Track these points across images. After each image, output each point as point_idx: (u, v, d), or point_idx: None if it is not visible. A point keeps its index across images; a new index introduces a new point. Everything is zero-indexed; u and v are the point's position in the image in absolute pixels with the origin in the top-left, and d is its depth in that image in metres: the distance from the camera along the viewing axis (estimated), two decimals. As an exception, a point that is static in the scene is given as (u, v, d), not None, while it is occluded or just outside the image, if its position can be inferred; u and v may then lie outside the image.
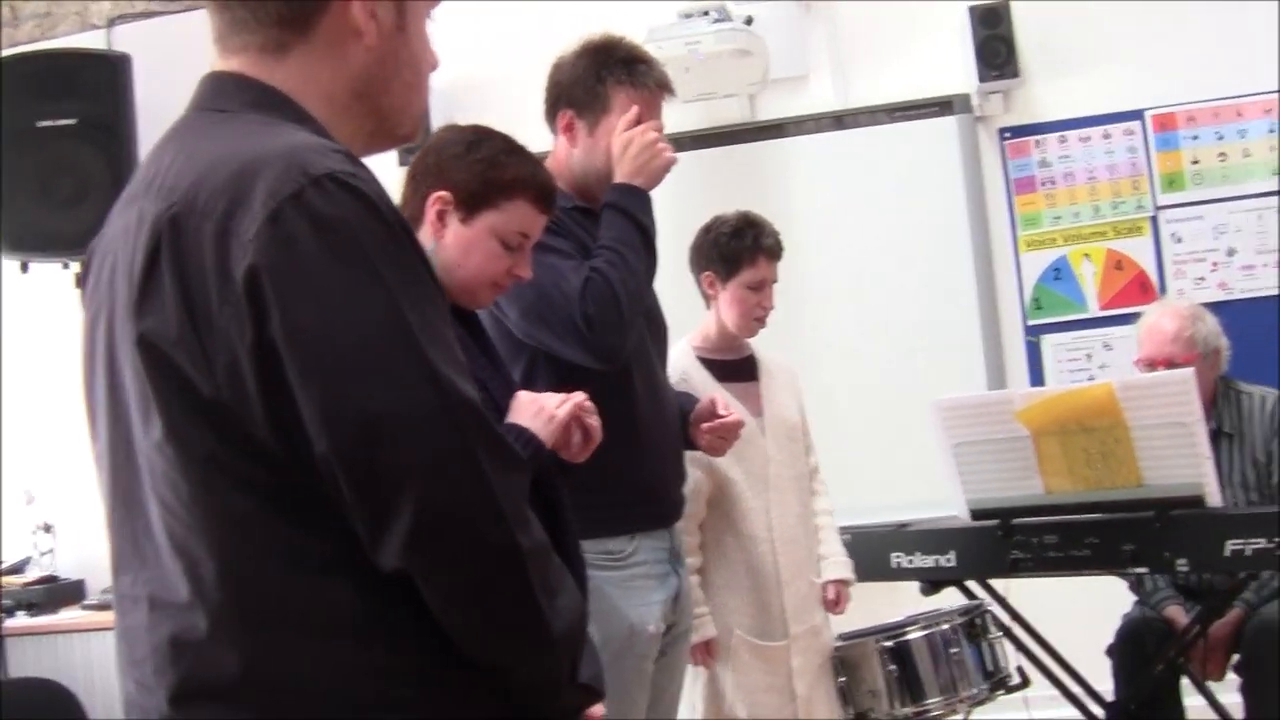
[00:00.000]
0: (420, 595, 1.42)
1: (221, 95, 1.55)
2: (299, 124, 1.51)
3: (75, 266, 4.80)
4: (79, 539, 5.53)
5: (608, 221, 2.94)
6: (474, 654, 1.47)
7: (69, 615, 5.47)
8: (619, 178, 2.98)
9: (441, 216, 2.44)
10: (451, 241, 2.45)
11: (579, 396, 2.44)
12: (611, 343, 2.84)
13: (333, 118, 1.57)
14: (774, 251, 3.72)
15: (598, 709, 1.77)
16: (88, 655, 5.22)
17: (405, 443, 1.38)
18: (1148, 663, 3.96)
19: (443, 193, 2.44)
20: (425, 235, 2.45)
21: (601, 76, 3.05)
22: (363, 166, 1.47)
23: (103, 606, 5.24)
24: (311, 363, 1.36)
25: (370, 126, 1.62)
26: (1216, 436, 4.07)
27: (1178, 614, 4.09)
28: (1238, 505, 4.02)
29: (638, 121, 3.01)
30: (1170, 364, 4.05)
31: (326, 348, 1.37)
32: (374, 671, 1.43)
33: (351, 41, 1.56)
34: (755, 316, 3.71)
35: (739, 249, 3.67)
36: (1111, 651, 4.17)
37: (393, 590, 1.42)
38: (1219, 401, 4.16)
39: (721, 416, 3.18)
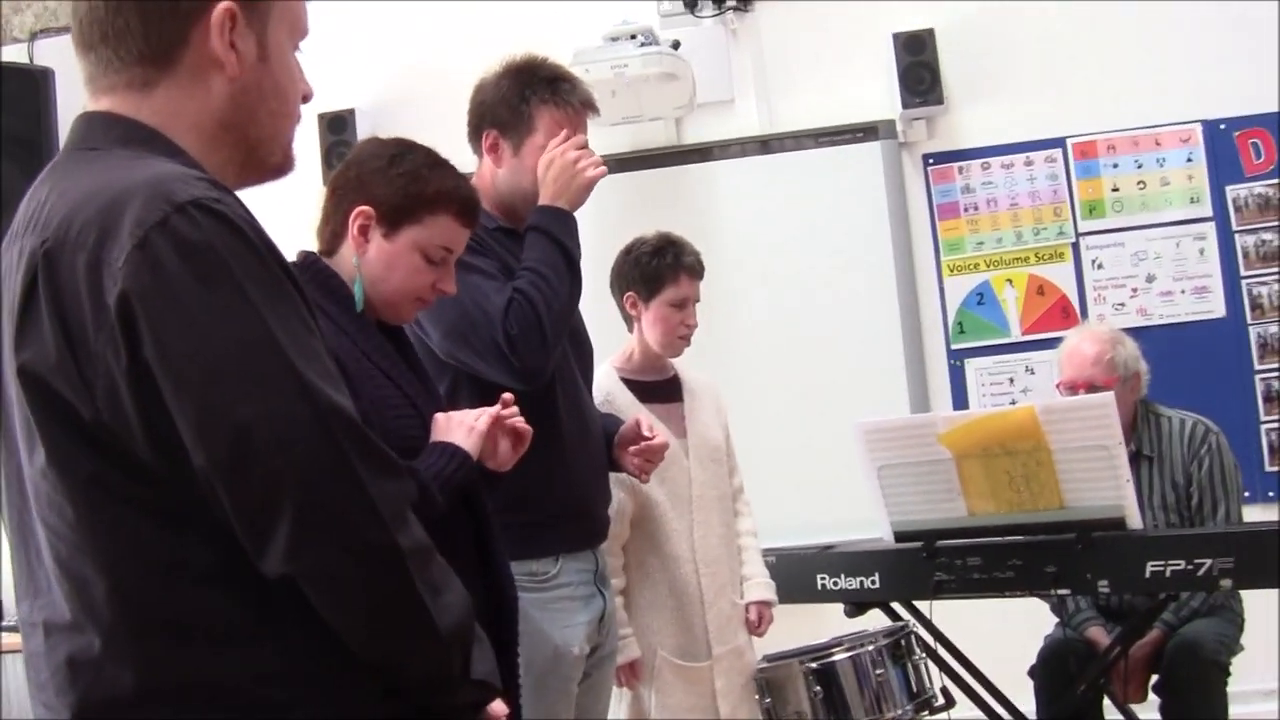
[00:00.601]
0: (308, 599, 1.47)
1: (91, 134, 1.60)
2: (169, 157, 1.55)
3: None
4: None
5: (531, 243, 2.92)
6: (363, 654, 1.52)
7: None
8: (543, 199, 2.96)
9: (364, 231, 2.41)
10: (374, 256, 2.41)
11: (496, 407, 2.43)
12: (534, 364, 2.82)
13: (202, 149, 1.61)
14: (695, 270, 3.73)
15: (498, 705, 1.76)
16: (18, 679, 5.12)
17: (277, 450, 1.43)
18: (1070, 683, 3.98)
19: (365, 207, 2.41)
20: (347, 250, 2.43)
21: (525, 96, 3.03)
22: (228, 193, 1.51)
23: (15, 629, 5.15)
24: (183, 380, 1.42)
25: (240, 157, 1.65)
26: (1136, 459, 4.11)
27: (1099, 635, 4.13)
28: (1158, 527, 4.07)
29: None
30: (1091, 387, 4.10)
31: (197, 365, 1.42)
32: (264, 677, 1.48)
33: (214, 73, 1.60)
34: (679, 334, 3.70)
35: (660, 268, 3.67)
36: (1033, 672, 4.20)
37: (280, 596, 1.46)
38: (1139, 424, 4.21)
39: (647, 439, 3.17)
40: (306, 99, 1.72)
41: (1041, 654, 4.22)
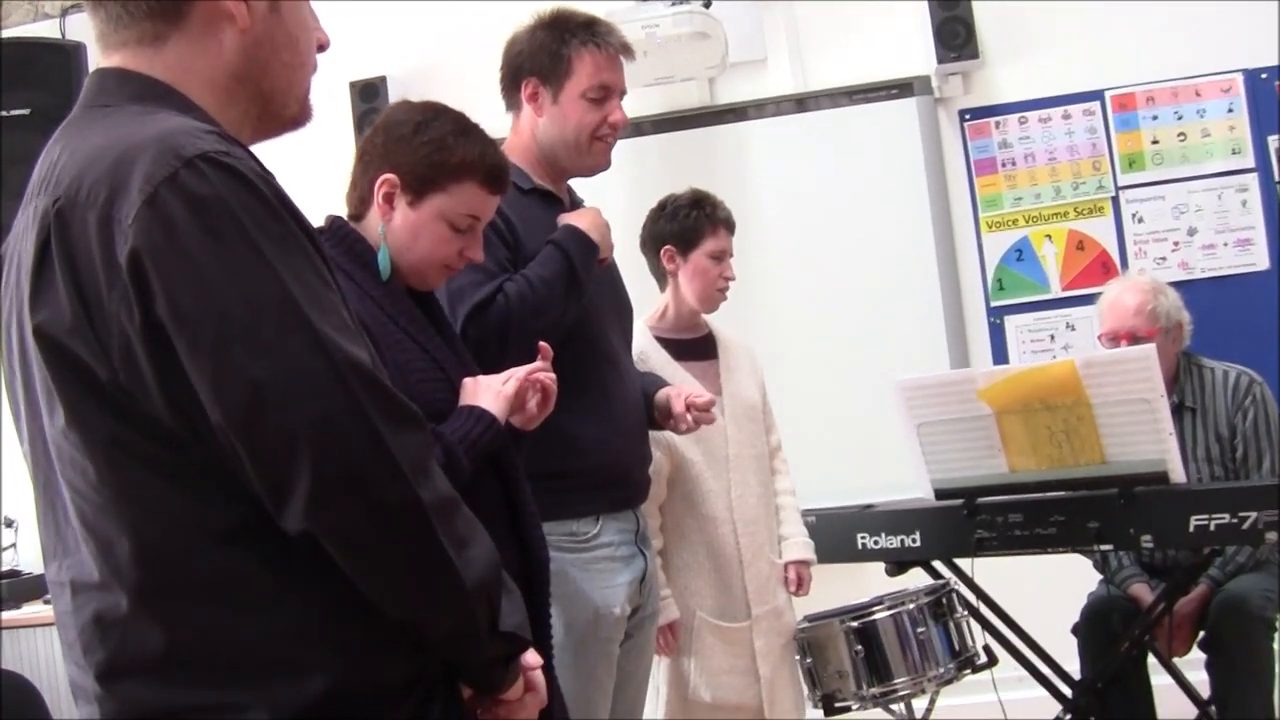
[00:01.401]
0: (330, 556, 1.46)
1: (104, 91, 1.59)
2: (183, 112, 1.54)
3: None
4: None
5: (544, 257, 2.89)
6: (388, 609, 1.51)
7: (31, 610, 5.42)
8: (579, 223, 2.95)
9: (389, 199, 2.40)
10: (400, 225, 2.41)
11: (523, 369, 2.42)
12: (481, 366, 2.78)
13: (217, 104, 1.60)
14: (730, 223, 3.74)
15: (531, 655, 1.76)
16: (51, 649, 5.18)
17: (293, 405, 1.42)
18: (1114, 641, 3.96)
19: (389, 175, 2.40)
20: (374, 217, 2.42)
21: (565, 39, 3.03)
22: (240, 145, 1.51)
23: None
24: (198, 338, 1.41)
25: (256, 110, 1.65)
26: (1179, 411, 4.08)
27: (1143, 592, 4.10)
28: (1202, 480, 4.03)
29: (601, 85, 3.02)
30: (1133, 337, 4.06)
31: (211, 322, 1.41)
32: (288, 636, 1.48)
33: (225, 26, 1.60)
34: (719, 288, 3.71)
35: (698, 220, 3.68)
36: (1077, 630, 4.18)
37: (304, 554, 1.46)
38: (1181, 376, 4.17)
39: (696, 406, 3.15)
40: (323, 48, 1.71)
41: (1085, 611, 4.20)
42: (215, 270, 1.41)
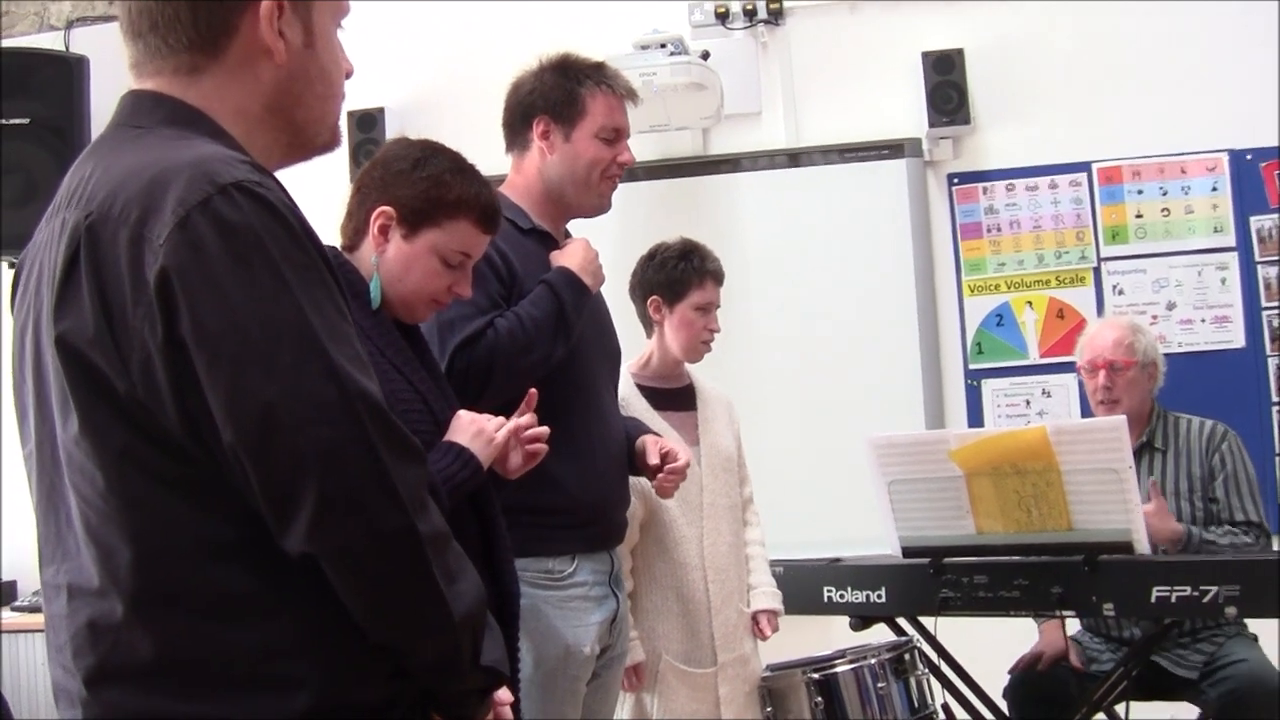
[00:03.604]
0: (326, 578, 1.50)
1: (138, 112, 1.63)
2: (213, 138, 1.59)
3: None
4: (11, 541, 5.48)
5: (535, 296, 2.94)
6: (376, 635, 1.55)
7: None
8: (571, 265, 3.00)
9: (384, 231, 2.45)
10: (393, 256, 2.46)
11: (519, 420, 2.46)
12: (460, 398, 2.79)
13: (248, 132, 1.65)
14: (718, 275, 3.78)
15: (504, 693, 1.81)
16: (14, 657, 5.16)
17: (304, 430, 1.46)
18: (1045, 701, 4.01)
19: (386, 207, 2.45)
20: (368, 248, 2.47)
21: (579, 80, 3.11)
22: (270, 176, 1.55)
23: (33, 609, 5.19)
24: (216, 357, 1.45)
25: (286, 139, 1.70)
26: (1149, 450, 4.19)
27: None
28: (1180, 516, 4.09)
29: (613, 126, 3.11)
30: (1111, 366, 4.17)
31: (231, 343, 1.45)
32: (277, 653, 1.51)
33: (262, 60, 1.64)
34: (702, 339, 3.74)
35: (686, 272, 3.71)
36: (1006, 694, 4.19)
37: (299, 574, 1.50)
38: (1154, 419, 4.26)
39: (667, 464, 3.19)
40: (349, 75, 1.76)
41: (1018, 677, 4.22)
42: (239, 294, 1.46)
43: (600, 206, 3.20)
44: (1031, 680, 4.15)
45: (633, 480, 3.32)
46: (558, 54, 3.18)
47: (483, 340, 2.82)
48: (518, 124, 3.16)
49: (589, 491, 3.04)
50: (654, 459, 3.18)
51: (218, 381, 1.45)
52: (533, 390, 2.58)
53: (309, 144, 1.73)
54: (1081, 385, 4.49)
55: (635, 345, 3.79)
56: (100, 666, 1.52)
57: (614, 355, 3.29)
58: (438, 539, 1.58)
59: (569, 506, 2.98)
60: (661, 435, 3.34)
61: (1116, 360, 4.18)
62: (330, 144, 1.76)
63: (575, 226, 3.28)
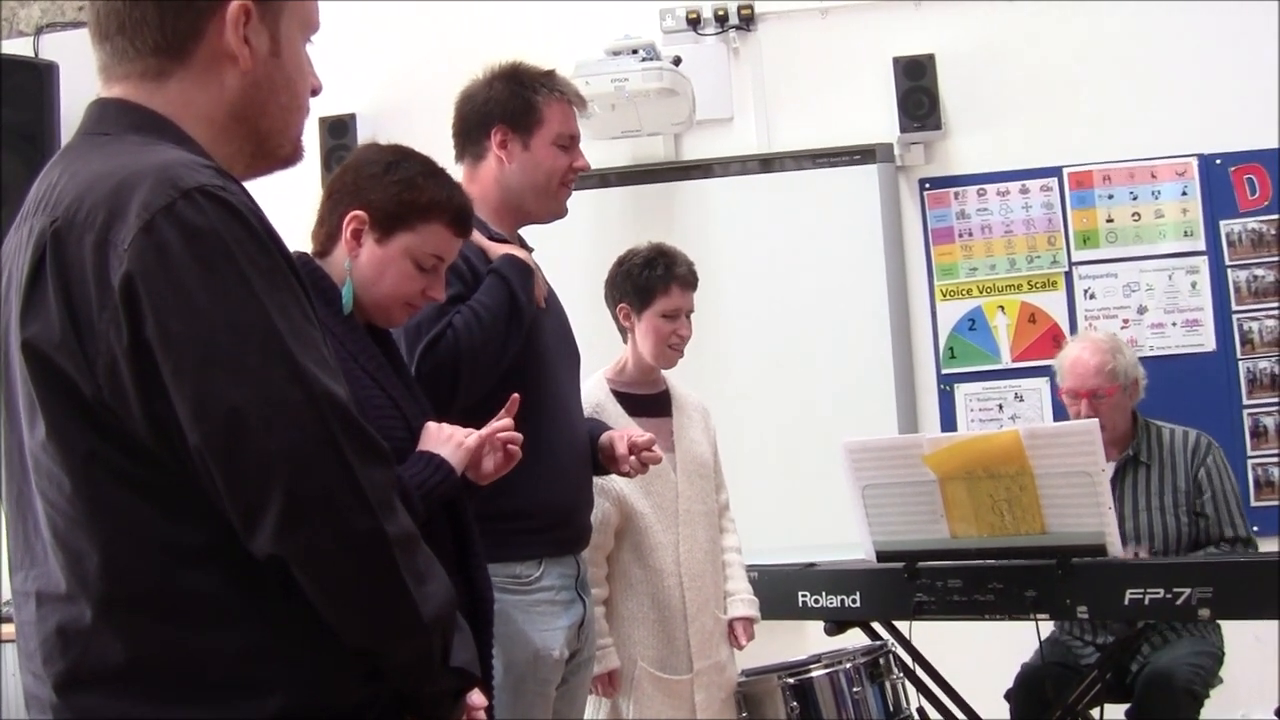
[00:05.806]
0: (296, 581, 1.50)
1: (105, 120, 1.64)
2: (178, 145, 1.59)
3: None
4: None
5: (488, 285, 2.94)
6: (346, 637, 1.55)
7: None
8: (517, 254, 3.01)
9: (357, 235, 2.45)
10: (366, 261, 2.45)
11: (495, 424, 2.46)
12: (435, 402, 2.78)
13: (213, 140, 1.65)
14: (688, 280, 3.74)
15: (476, 695, 1.80)
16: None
17: (270, 431, 1.46)
18: (1047, 708, 4.01)
19: (359, 212, 2.44)
20: (340, 253, 2.46)
21: (534, 89, 3.13)
22: (234, 181, 1.56)
23: (4, 619, 5.15)
24: (182, 361, 1.45)
25: (250, 148, 1.71)
26: (1134, 464, 4.24)
27: None
28: (1165, 530, 4.14)
29: (569, 133, 3.15)
30: (1094, 395, 4.23)
31: (196, 347, 1.46)
32: (248, 656, 1.51)
33: (227, 67, 1.65)
34: (671, 345, 3.71)
35: (652, 279, 3.69)
36: (1010, 696, 4.22)
37: (267, 577, 1.50)
38: (1138, 433, 4.31)
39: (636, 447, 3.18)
40: (316, 92, 1.77)
41: (1018, 679, 4.25)
42: (204, 298, 1.46)
43: (558, 212, 3.22)
44: (1035, 680, 4.16)
45: (607, 486, 3.31)
46: (507, 63, 3.19)
47: (443, 341, 2.83)
48: (473, 133, 3.16)
49: (555, 495, 3.03)
50: (623, 448, 3.18)
51: (183, 385, 1.45)
52: (515, 395, 2.57)
53: (272, 155, 1.73)
54: (1054, 388, 4.53)
55: (613, 351, 3.79)
56: (70, 672, 1.52)
57: (575, 357, 3.29)
58: (406, 540, 1.58)
59: (533, 510, 2.98)
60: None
61: (1099, 389, 4.24)
62: (292, 157, 1.76)
63: (549, 232, 3.28)
